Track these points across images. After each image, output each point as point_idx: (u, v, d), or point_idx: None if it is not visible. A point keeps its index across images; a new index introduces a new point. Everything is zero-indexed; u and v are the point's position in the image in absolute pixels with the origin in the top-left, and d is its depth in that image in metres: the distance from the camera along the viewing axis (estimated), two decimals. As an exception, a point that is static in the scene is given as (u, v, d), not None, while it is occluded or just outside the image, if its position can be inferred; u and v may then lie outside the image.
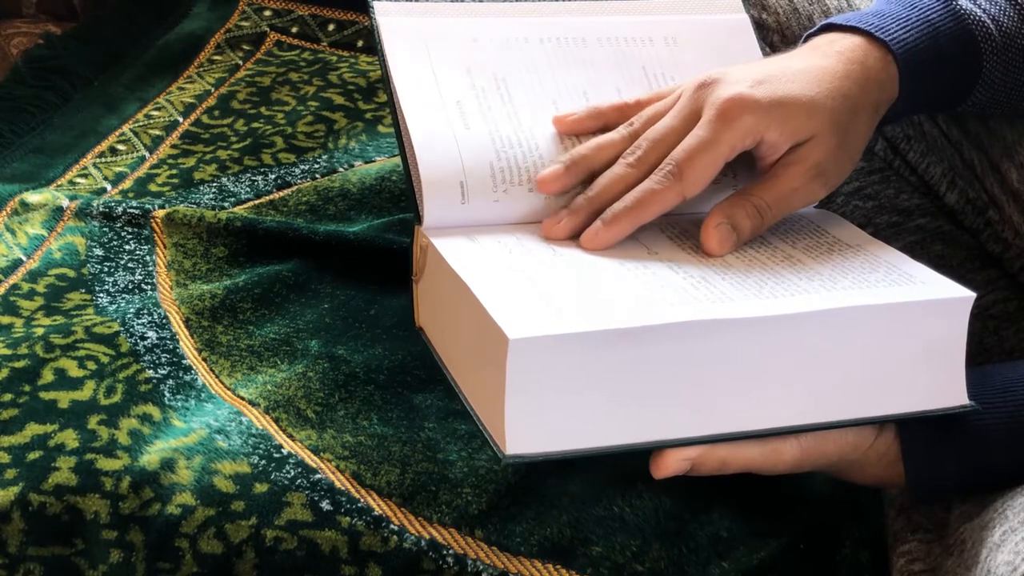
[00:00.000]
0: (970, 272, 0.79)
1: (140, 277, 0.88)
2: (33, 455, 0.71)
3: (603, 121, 0.73)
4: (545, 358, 0.58)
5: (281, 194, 0.99)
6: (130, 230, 0.93)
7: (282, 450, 0.73)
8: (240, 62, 1.22)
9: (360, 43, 1.25)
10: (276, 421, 0.75)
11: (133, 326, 0.82)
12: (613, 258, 0.67)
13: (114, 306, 0.85)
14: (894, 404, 0.64)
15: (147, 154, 1.06)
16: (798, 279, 0.65)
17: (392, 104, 0.73)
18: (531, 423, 0.59)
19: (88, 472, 0.70)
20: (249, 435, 0.73)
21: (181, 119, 1.11)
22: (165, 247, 0.91)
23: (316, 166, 1.03)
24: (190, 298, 0.85)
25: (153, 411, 0.75)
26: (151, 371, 0.78)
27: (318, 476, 0.71)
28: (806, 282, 0.64)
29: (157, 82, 1.18)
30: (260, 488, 0.70)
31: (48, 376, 0.77)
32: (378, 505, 0.70)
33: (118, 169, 1.04)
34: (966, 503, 0.66)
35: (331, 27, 1.27)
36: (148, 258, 0.90)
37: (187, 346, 0.81)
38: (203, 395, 0.77)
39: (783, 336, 0.61)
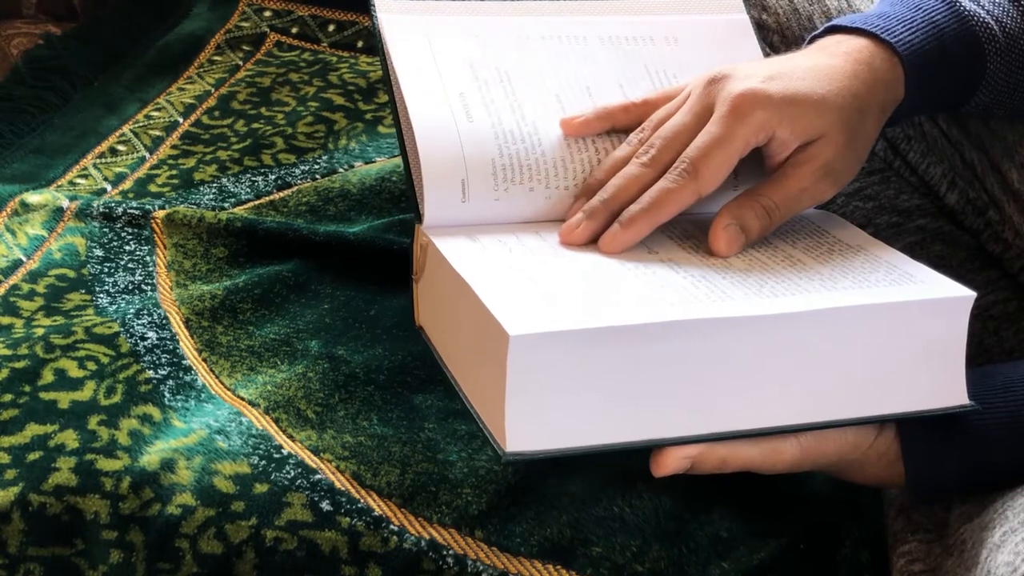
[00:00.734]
0: (970, 272, 0.79)
1: (140, 278, 0.88)
2: (33, 455, 0.71)
3: (611, 122, 0.73)
4: (546, 355, 0.58)
5: (281, 195, 0.99)
6: (130, 231, 0.93)
7: (282, 450, 0.73)
8: (240, 63, 1.22)
9: (360, 44, 1.25)
10: (276, 421, 0.75)
11: (133, 326, 0.82)
12: (614, 258, 0.67)
13: (114, 306, 0.85)
14: (894, 404, 0.64)
15: (147, 155, 1.06)
16: (798, 279, 0.65)
17: (393, 102, 0.73)
18: (532, 421, 0.59)
19: (88, 472, 0.70)
20: (249, 435, 0.73)
21: (181, 120, 1.11)
22: (165, 248, 0.91)
23: (316, 167, 1.03)
24: (190, 298, 0.85)
25: (153, 411, 0.75)
26: (151, 371, 0.78)
27: (318, 476, 0.71)
28: (806, 282, 0.64)
29: (157, 83, 1.18)
30: (260, 488, 0.70)
31: (48, 376, 0.77)
32: (378, 505, 0.70)
33: (118, 170, 1.04)
34: (966, 503, 0.66)
35: (331, 28, 1.28)
36: (148, 259, 0.90)
37: (187, 346, 0.81)
38: (203, 395, 0.77)
39: (783, 335, 0.61)
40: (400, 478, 0.71)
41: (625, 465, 0.73)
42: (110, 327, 0.81)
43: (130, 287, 0.87)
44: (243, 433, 0.73)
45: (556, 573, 0.69)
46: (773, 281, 0.64)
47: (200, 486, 0.70)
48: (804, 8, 0.86)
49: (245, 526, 0.69)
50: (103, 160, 1.05)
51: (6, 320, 0.83)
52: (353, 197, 0.98)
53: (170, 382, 0.78)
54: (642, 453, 0.62)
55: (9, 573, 0.68)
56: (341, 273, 0.89)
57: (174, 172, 1.03)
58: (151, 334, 0.82)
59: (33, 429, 0.73)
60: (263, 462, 0.72)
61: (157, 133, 1.09)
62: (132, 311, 0.84)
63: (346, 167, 1.03)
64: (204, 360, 0.80)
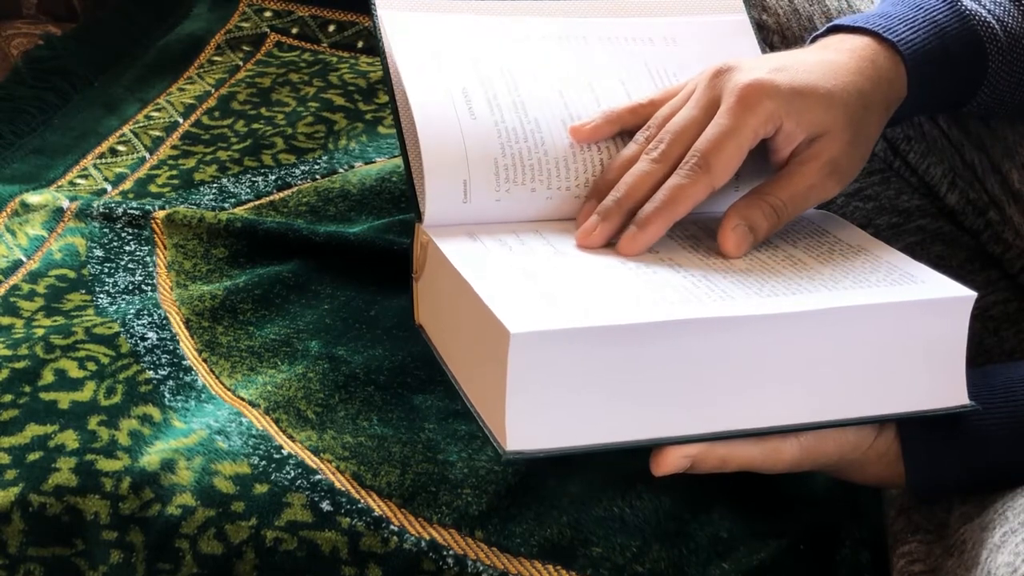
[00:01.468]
0: (970, 273, 0.79)
1: (140, 278, 0.88)
2: (33, 456, 0.71)
3: (620, 125, 0.73)
4: (546, 354, 0.58)
5: (281, 195, 0.99)
6: (130, 231, 0.93)
7: (282, 451, 0.73)
8: (240, 63, 1.22)
9: (360, 44, 1.25)
10: (276, 422, 0.75)
11: (133, 327, 0.82)
12: (614, 257, 0.67)
13: (114, 307, 0.85)
14: (894, 403, 0.64)
15: (147, 155, 1.06)
16: (799, 279, 0.65)
17: (393, 101, 0.73)
18: (532, 420, 0.59)
19: (88, 473, 0.70)
20: (249, 436, 0.73)
21: (181, 120, 1.11)
22: (165, 248, 0.91)
23: (316, 167, 1.03)
24: (190, 299, 0.85)
25: (153, 412, 0.75)
26: (151, 372, 0.78)
27: (318, 477, 0.71)
28: (807, 281, 0.64)
29: (157, 83, 1.18)
30: (260, 489, 0.70)
31: (48, 377, 0.77)
32: (378, 506, 0.70)
33: (118, 170, 1.04)
34: (966, 504, 0.66)
35: (331, 28, 1.28)
36: (148, 259, 0.90)
37: (187, 347, 0.81)
38: (203, 396, 0.77)
39: (784, 335, 0.61)
40: (400, 478, 0.71)
41: (625, 465, 0.73)
42: (110, 327, 0.81)
43: (130, 287, 0.87)
44: (243, 433, 0.73)
45: (556, 573, 0.69)
46: (774, 281, 0.64)
47: (200, 486, 0.70)
48: (804, 8, 0.86)
49: (245, 526, 0.69)
50: (103, 160, 1.05)
51: (6, 320, 0.83)
52: (353, 197, 0.98)
53: (170, 382, 0.78)
54: (642, 453, 0.62)
55: (9, 573, 0.68)
56: (341, 273, 0.89)
57: (174, 172, 1.03)
58: (151, 334, 0.82)
59: (33, 429, 0.73)
60: (263, 462, 0.72)
61: (157, 133, 1.09)
62: (132, 311, 0.84)
63: (346, 167, 1.03)
64: (204, 360, 0.80)
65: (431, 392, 0.78)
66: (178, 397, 0.77)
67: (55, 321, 0.83)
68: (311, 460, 0.72)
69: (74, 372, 0.77)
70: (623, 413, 0.60)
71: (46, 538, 0.69)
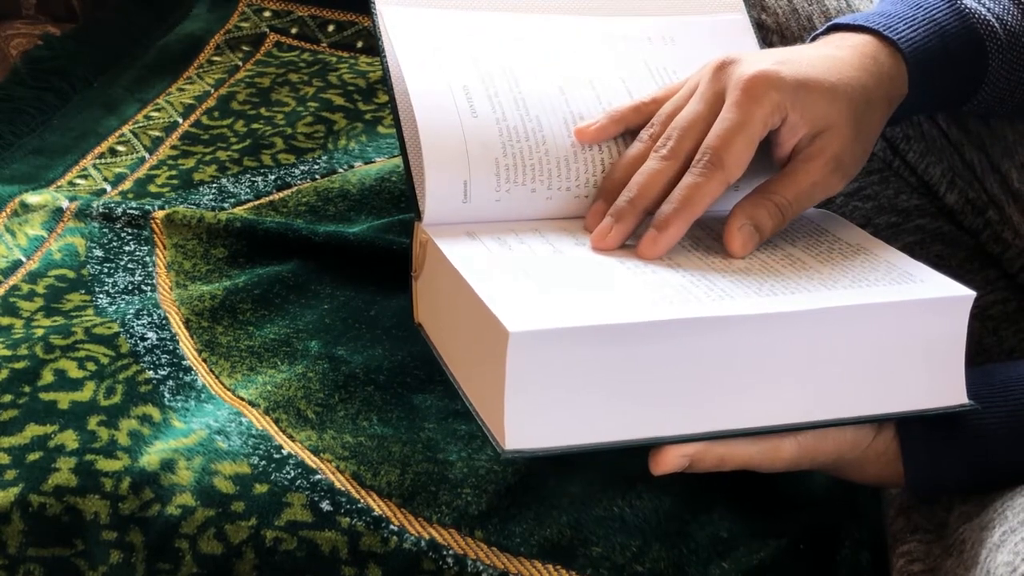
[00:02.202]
0: (969, 273, 0.79)
1: (140, 278, 0.88)
2: (33, 456, 0.71)
3: (624, 124, 0.72)
4: (545, 352, 0.58)
5: (281, 195, 0.99)
6: (130, 231, 0.93)
7: (282, 451, 0.73)
8: (240, 63, 1.22)
9: (360, 44, 1.25)
10: (276, 422, 0.75)
11: (133, 327, 0.82)
12: (613, 256, 0.67)
13: (114, 307, 0.85)
14: (893, 403, 0.64)
15: (147, 155, 1.06)
16: (798, 278, 0.65)
17: (392, 100, 0.72)
18: (531, 418, 0.59)
19: (88, 473, 0.70)
20: (249, 436, 0.73)
21: (181, 120, 1.11)
22: (165, 248, 0.91)
23: (316, 167, 1.03)
24: (190, 299, 0.85)
25: (153, 412, 0.75)
26: (151, 372, 0.78)
27: (318, 477, 0.71)
28: (806, 280, 0.64)
29: (157, 83, 1.18)
30: (260, 489, 0.70)
31: (48, 377, 0.77)
32: (378, 506, 0.70)
33: (118, 170, 1.04)
34: (966, 503, 0.66)
35: (331, 28, 1.28)
36: (148, 259, 0.90)
37: (187, 347, 0.81)
38: (203, 396, 0.77)
39: (783, 334, 0.61)
40: (400, 478, 0.71)
41: (625, 465, 0.73)
42: (110, 327, 0.81)
43: (130, 287, 0.87)
44: (243, 433, 0.73)
45: (556, 573, 0.69)
46: (773, 280, 0.64)
47: (200, 486, 0.70)
48: (803, 8, 0.86)
49: (245, 526, 0.69)
50: (103, 161, 1.05)
51: (6, 321, 0.83)
52: (353, 197, 0.98)
53: (170, 382, 0.78)
54: (642, 453, 0.62)
55: (9, 574, 0.68)
56: (341, 273, 0.89)
57: (174, 172, 1.03)
58: (151, 334, 0.82)
59: (33, 430, 0.73)
60: (263, 462, 0.72)
61: (157, 134, 1.09)
62: (132, 311, 0.84)
63: (346, 167, 1.03)
64: (204, 360, 0.80)
65: (431, 392, 0.78)
66: (178, 397, 0.77)
67: (55, 321, 0.83)
68: (311, 460, 0.72)
69: (74, 372, 0.77)
70: (622, 412, 0.60)
71: (46, 538, 0.69)
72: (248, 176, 1.02)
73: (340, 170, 1.02)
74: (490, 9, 0.78)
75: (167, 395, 0.77)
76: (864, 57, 0.69)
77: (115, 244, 0.91)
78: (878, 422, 0.65)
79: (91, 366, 0.78)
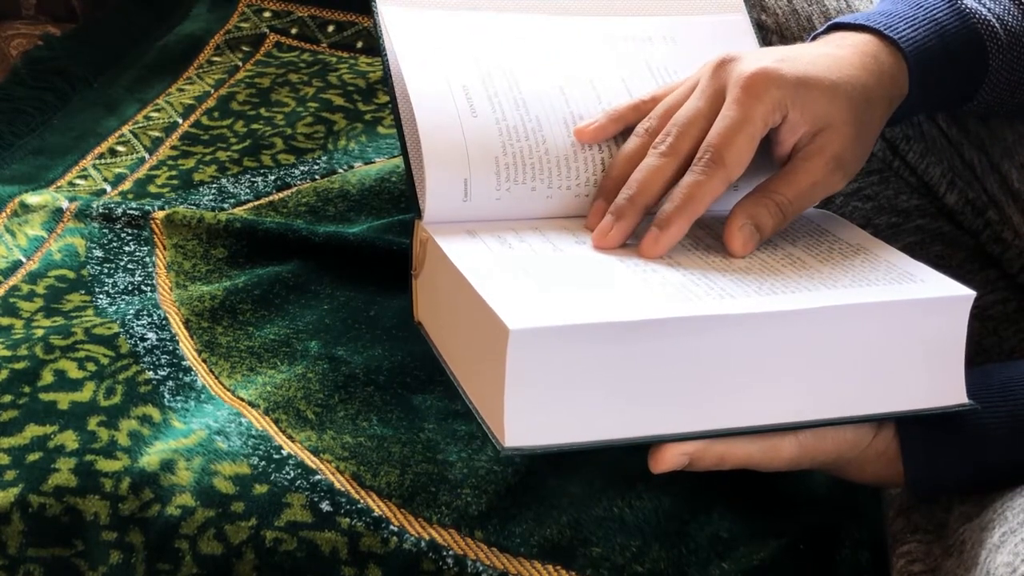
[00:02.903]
0: (969, 273, 0.79)
1: (140, 278, 0.88)
2: (33, 456, 0.71)
3: (623, 123, 0.72)
4: (545, 350, 0.58)
5: (281, 195, 0.99)
6: (130, 231, 0.93)
7: (282, 451, 0.73)
8: (240, 63, 1.22)
9: (360, 44, 1.25)
10: (276, 422, 0.75)
11: (133, 327, 0.82)
12: (613, 255, 0.67)
13: (114, 307, 0.85)
14: (893, 402, 0.64)
15: (147, 155, 1.06)
16: (798, 277, 0.65)
17: (393, 100, 0.73)
18: (530, 415, 0.59)
19: (88, 473, 0.70)
20: (249, 436, 0.73)
21: (181, 120, 1.11)
22: (165, 248, 0.91)
23: (316, 167, 1.03)
24: (190, 299, 0.85)
25: (153, 412, 0.75)
26: (151, 372, 0.78)
27: (318, 477, 0.71)
28: (806, 280, 0.64)
29: (157, 83, 1.18)
30: (260, 489, 0.70)
31: (48, 377, 0.77)
32: (378, 506, 0.70)
33: (118, 170, 1.04)
34: (965, 504, 0.66)
35: (331, 28, 1.28)
36: (148, 259, 0.90)
37: (187, 347, 0.81)
38: (203, 396, 0.77)
39: (783, 333, 0.61)
40: (400, 479, 0.71)
41: (625, 465, 0.73)
42: (110, 328, 0.81)
43: (130, 288, 0.87)
44: (243, 434, 0.73)
45: (556, 573, 0.69)
46: (773, 279, 0.64)
47: (200, 487, 0.70)
48: (803, 9, 0.86)
49: (245, 527, 0.69)
50: (103, 161, 1.05)
51: (6, 321, 0.83)
52: (352, 198, 0.98)
53: (170, 383, 0.78)
54: (641, 452, 0.62)
55: (9, 574, 0.68)
56: (341, 274, 0.89)
57: (174, 173, 1.03)
58: (151, 335, 0.82)
59: (33, 430, 0.73)
60: (263, 463, 0.72)
61: (156, 134, 1.09)
62: (132, 312, 0.84)
63: (345, 168, 1.03)
64: (204, 361, 0.80)
65: (431, 392, 0.78)
66: (178, 397, 0.77)
67: (55, 322, 0.83)
68: (311, 460, 0.72)
69: (74, 373, 0.77)
70: (622, 410, 0.60)
71: (46, 539, 0.69)
72: (248, 176, 1.02)
73: (340, 170, 1.02)
74: (491, 9, 0.78)
75: (167, 395, 0.77)
76: (865, 56, 0.69)
77: (115, 244, 0.91)
78: (878, 421, 0.65)
79: (91, 366, 0.78)
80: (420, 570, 0.68)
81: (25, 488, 0.69)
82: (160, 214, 0.93)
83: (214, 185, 1.01)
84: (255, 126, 1.09)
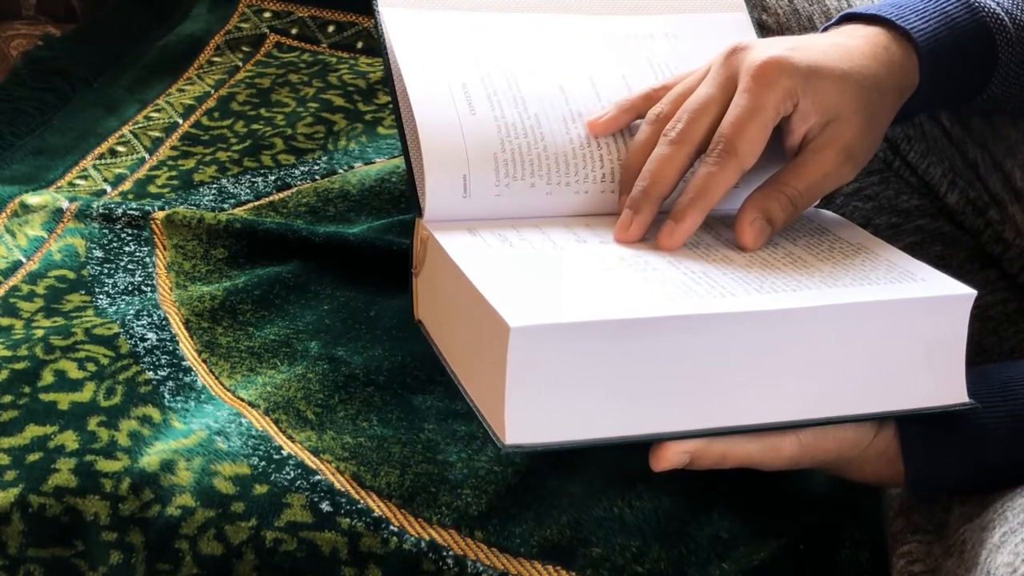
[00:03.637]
0: (969, 273, 0.79)
1: (140, 279, 0.88)
2: (33, 456, 0.71)
3: (635, 113, 0.72)
4: (546, 348, 0.58)
5: (281, 195, 0.99)
6: (130, 232, 0.93)
7: (282, 451, 0.73)
8: (240, 63, 1.22)
9: (360, 45, 1.25)
10: (276, 422, 0.75)
11: (133, 328, 0.82)
12: (614, 253, 0.67)
13: (114, 308, 0.85)
14: (894, 401, 0.64)
15: (147, 156, 1.06)
16: (799, 276, 0.65)
17: (394, 98, 0.73)
18: (531, 413, 0.59)
19: (88, 474, 0.70)
20: (249, 436, 0.73)
21: (181, 121, 1.11)
22: (165, 249, 0.91)
23: (316, 167, 1.03)
24: (190, 299, 0.85)
25: (153, 413, 0.75)
26: (151, 373, 0.78)
27: (318, 477, 0.71)
28: (807, 278, 0.64)
29: (157, 84, 1.18)
30: (260, 489, 0.70)
31: (48, 378, 0.77)
32: (378, 506, 0.70)
33: (118, 171, 1.04)
34: (966, 504, 0.66)
35: (331, 28, 1.28)
36: (148, 260, 0.90)
37: (187, 347, 0.81)
38: (203, 396, 0.77)
39: (783, 331, 0.61)
40: (400, 479, 0.71)
41: (625, 465, 0.73)
42: (110, 328, 0.81)
43: (130, 288, 0.87)
44: (243, 434, 0.73)
45: (556, 574, 0.68)
46: (773, 278, 0.64)
47: (200, 487, 0.70)
48: (804, 8, 0.86)
49: (245, 527, 0.69)
50: (103, 161, 1.05)
51: (6, 321, 0.83)
52: (353, 198, 0.98)
53: (170, 383, 0.78)
54: (642, 452, 0.62)
55: (9, 574, 0.68)
56: (341, 274, 0.89)
57: (174, 173, 1.03)
58: (151, 335, 0.82)
59: (33, 430, 0.73)
60: (263, 463, 0.72)
61: (157, 134, 1.09)
62: (132, 312, 0.84)
63: (346, 168, 1.03)
64: (204, 361, 0.80)
65: (431, 392, 0.78)
66: (178, 398, 0.77)
67: (55, 322, 0.83)
68: (311, 461, 0.72)
69: (74, 373, 0.77)
70: (622, 408, 0.60)
71: (46, 539, 0.69)
72: (248, 177, 1.02)
73: (340, 171, 1.02)
74: (491, 9, 0.78)
75: (167, 396, 0.77)
76: (876, 47, 0.69)
77: (115, 245, 0.91)
78: (878, 421, 0.65)
79: (91, 367, 0.78)
80: (420, 570, 0.68)
81: (25, 488, 0.69)
82: (160, 214, 0.93)
83: (214, 185, 1.01)
84: (255, 126, 1.09)
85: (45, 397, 0.75)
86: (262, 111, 1.12)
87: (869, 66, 0.67)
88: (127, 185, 1.01)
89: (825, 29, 0.73)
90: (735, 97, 0.66)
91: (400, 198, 0.97)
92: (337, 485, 0.71)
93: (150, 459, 0.71)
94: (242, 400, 0.77)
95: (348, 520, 0.69)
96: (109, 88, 1.17)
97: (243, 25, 1.28)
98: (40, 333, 0.81)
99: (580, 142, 0.72)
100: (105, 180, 1.02)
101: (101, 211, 0.94)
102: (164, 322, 0.83)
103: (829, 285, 0.64)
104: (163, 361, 0.80)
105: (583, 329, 0.58)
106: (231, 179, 1.01)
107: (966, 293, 0.64)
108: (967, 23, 0.70)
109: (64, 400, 0.75)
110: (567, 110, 0.73)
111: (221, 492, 0.70)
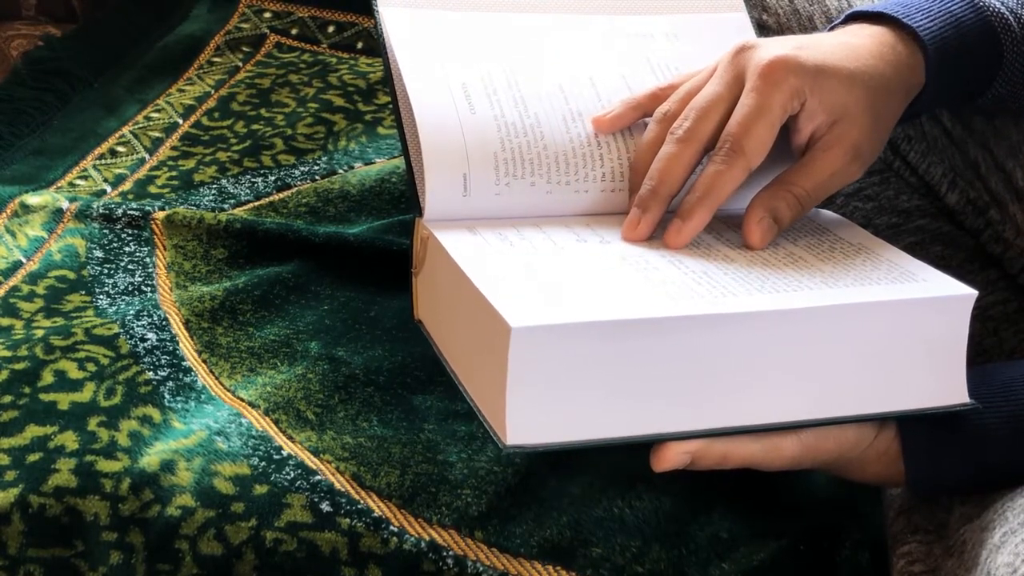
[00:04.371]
0: (970, 273, 0.79)
1: (140, 279, 0.88)
2: (33, 457, 0.71)
3: (641, 111, 0.72)
4: (547, 348, 0.58)
5: (281, 196, 0.99)
6: (130, 232, 0.93)
7: (282, 451, 0.73)
8: (240, 64, 1.22)
9: (360, 45, 1.25)
10: (276, 423, 0.75)
11: (133, 328, 0.82)
12: (615, 253, 0.67)
13: (114, 308, 0.85)
14: (895, 401, 0.64)
15: (147, 156, 1.06)
16: (800, 276, 0.65)
17: (394, 98, 0.73)
18: (532, 413, 0.59)
19: (88, 474, 0.70)
20: (249, 437, 0.73)
21: (181, 121, 1.11)
22: (165, 249, 0.91)
23: (316, 168, 1.03)
24: (190, 300, 0.85)
25: (153, 413, 0.75)
26: (151, 373, 0.78)
27: (318, 477, 0.71)
28: (808, 279, 0.64)
29: (157, 84, 1.18)
30: (260, 490, 0.70)
31: (48, 378, 0.77)
32: (378, 506, 0.70)
33: (118, 171, 1.04)
34: (966, 504, 0.66)
35: (331, 29, 1.28)
36: (148, 260, 0.90)
37: (187, 348, 0.81)
38: (203, 397, 0.77)
39: (784, 331, 0.61)
40: (400, 479, 0.71)
41: (625, 466, 0.73)
42: (110, 328, 0.81)
43: (130, 288, 0.87)
44: (243, 434, 0.73)
45: (556, 574, 0.68)
46: (774, 278, 0.64)
47: (200, 487, 0.70)
48: (804, 8, 0.86)
49: (245, 527, 0.69)
50: (103, 161, 1.05)
51: (6, 321, 0.83)
52: (353, 198, 0.98)
53: (170, 383, 0.78)
54: (641, 452, 0.62)
55: (9, 574, 0.68)
56: (341, 274, 0.89)
57: (174, 173, 1.03)
58: (151, 335, 0.82)
59: (33, 430, 0.73)
60: (263, 463, 0.72)
61: (157, 134, 1.09)
62: (132, 312, 0.84)
63: (346, 168, 1.03)
64: (204, 361, 0.80)
65: (431, 393, 0.78)
66: (178, 398, 0.77)
67: (55, 322, 0.83)
68: (311, 461, 0.72)
69: (74, 373, 0.77)
70: (623, 408, 0.60)
71: (46, 539, 0.69)
72: (248, 177, 1.02)
73: (340, 171, 1.02)
74: (491, 9, 0.78)
75: (167, 396, 0.77)
76: (883, 46, 0.69)
77: (115, 245, 0.91)
78: (879, 421, 0.65)
79: (91, 367, 0.78)
80: (420, 570, 0.68)
81: (25, 488, 0.69)
82: (160, 215, 0.93)
83: (214, 186, 1.01)
84: (255, 127, 1.09)
85: (45, 397, 0.75)
86: (262, 111, 1.12)
87: (876, 65, 0.67)
88: (127, 185, 1.01)
89: (831, 28, 0.73)
90: (742, 96, 0.66)
91: (400, 198, 0.97)
92: (337, 485, 0.71)
93: (150, 459, 0.71)
94: (242, 400, 0.77)
95: (348, 520, 0.69)
96: (109, 88, 1.17)
97: (243, 25, 1.28)
98: (40, 333, 0.81)
99: (580, 141, 0.72)
100: (105, 180, 1.02)
101: (101, 211, 0.94)
102: (164, 322, 0.83)
103: (830, 285, 0.64)
104: (163, 361, 0.80)
105: (584, 329, 0.58)
106: (231, 179, 1.01)
107: (967, 293, 0.64)
108: (973, 22, 0.70)
109: (64, 400, 0.75)
110: (567, 109, 0.73)
111: (221, 492, 0.70)
